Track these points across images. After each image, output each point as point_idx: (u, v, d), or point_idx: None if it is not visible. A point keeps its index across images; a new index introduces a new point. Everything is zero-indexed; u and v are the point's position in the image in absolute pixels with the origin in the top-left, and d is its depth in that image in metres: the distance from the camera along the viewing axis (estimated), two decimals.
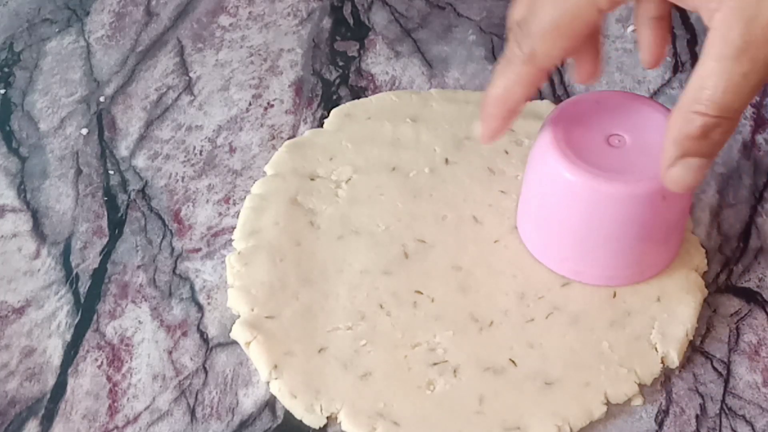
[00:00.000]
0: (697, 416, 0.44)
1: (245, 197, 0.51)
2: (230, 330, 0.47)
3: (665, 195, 0.44)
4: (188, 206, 0.52)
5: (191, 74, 0.59)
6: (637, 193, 0.44)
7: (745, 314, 0.48)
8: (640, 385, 0.45)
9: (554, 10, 0.41)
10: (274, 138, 0.55)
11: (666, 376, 0.45)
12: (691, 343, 0.46)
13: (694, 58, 0.58)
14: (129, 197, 0.53)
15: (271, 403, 0.45)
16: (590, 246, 0.46)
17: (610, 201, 0.44)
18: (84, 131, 0.56)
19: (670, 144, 0.41)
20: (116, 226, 0.51)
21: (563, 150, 0.44)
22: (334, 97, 0.57)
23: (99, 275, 0.49)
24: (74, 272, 0.50)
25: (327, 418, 0.44)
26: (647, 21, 0.45)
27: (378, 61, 0.59)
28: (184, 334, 0.47)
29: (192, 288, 0.49)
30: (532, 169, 0.47)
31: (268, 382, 0.45)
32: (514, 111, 0.45)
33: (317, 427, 0.44)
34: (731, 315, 0.48)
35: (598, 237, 0.46)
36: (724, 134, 0.40)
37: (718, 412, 0.44)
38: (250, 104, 0.57)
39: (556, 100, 0.56)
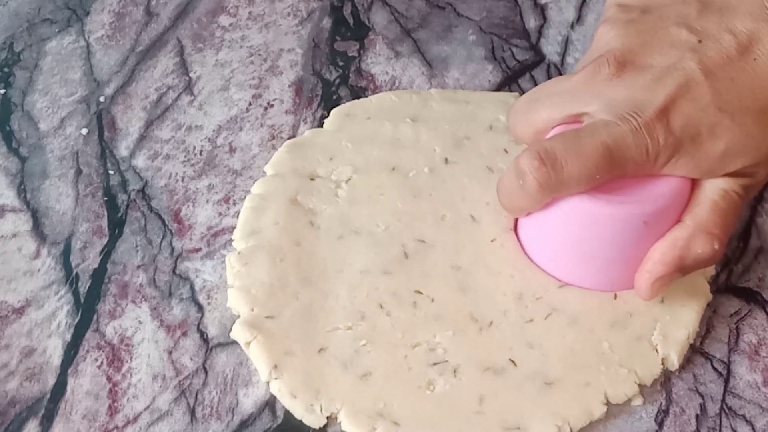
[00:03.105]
0: (697, 416, 0.44)
1: (245, 197, 0.51)
2: (230, 330, 0.47)
3: (647, 221, 0.43)
4: (188, 206, 0.52)
5: (191, 74, 0.59)
6: (616, 215, 0.43)
7: (745, 314, 0.48)
8: (640, 385, 0.45)
9: (581, 174, 0.43)
10: (274, 138, 0.55)
11: (666, 377, 0.45)
12: (692, 344, 0.46)
13: None
14: (129, 197, 0.53)
15: (271, 403, 0.45)
16: (578, 261, 0.46)
17: (589, 221, 0.44)
18: (84, 131, 0.56)
19: (671, 257, 0.43)
20: (116, 226, 0.51)
21: None
22: (334, 97, 0.57)
23: (99, 275, 0.49)
24: (74, 272, 0.50)
25: (327, 418, 0.44)
26: None
27: (378, 61, 0.59)
28: (184, 334, 0.47)
29: (192, 288, 0.49)
30: None
31: (268, 382, 0.45)
32: None
33: (317, 427, 0.44)
34: (731, 315, 0.48)
35: (584, 254, 0.46)
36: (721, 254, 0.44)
37: (718, 411, 0.44)
38: (250, 104, 0.57)
39: None
